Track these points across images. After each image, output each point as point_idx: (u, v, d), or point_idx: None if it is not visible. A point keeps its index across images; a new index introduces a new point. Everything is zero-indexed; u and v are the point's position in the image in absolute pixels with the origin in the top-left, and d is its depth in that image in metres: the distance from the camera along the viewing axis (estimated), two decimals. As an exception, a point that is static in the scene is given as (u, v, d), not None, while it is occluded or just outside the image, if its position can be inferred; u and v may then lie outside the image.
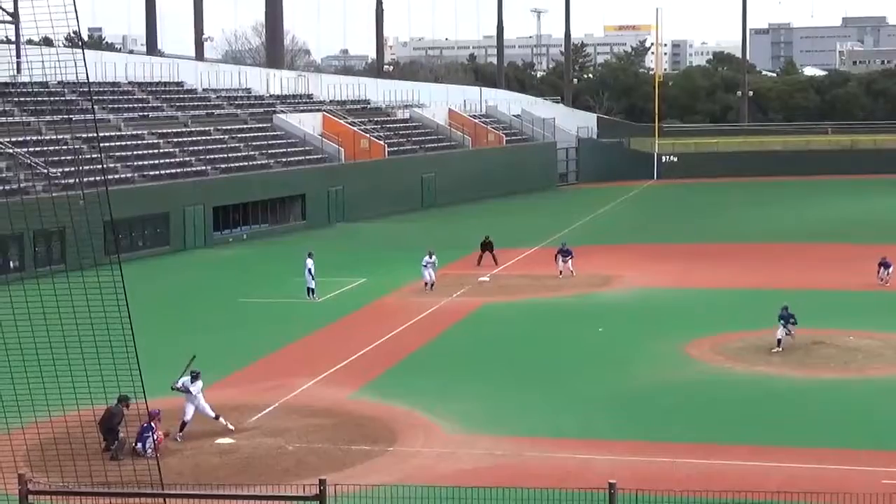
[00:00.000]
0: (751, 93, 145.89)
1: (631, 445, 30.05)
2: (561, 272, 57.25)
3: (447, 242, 62.90)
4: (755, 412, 33.32)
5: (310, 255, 52.67)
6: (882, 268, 55.06)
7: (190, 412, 30.90)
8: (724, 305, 49.99)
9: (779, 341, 40.14)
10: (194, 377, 31.30)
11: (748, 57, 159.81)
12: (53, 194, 53.11)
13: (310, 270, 52.03)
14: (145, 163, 73.03)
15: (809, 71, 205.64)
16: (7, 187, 56.89)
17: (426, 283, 53.93)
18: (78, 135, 68.06)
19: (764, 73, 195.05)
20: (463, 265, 61.26)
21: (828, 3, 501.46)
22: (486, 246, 61.86)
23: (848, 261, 61.98)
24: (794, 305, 40.97)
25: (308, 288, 52.11)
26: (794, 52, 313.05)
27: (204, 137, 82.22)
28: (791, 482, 27.09)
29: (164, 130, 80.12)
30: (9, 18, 73.49)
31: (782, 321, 40.41)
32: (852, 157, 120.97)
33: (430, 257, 54.30)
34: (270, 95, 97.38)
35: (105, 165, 68.28)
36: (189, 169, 75.85)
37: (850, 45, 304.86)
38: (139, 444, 28.90)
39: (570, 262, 57.43)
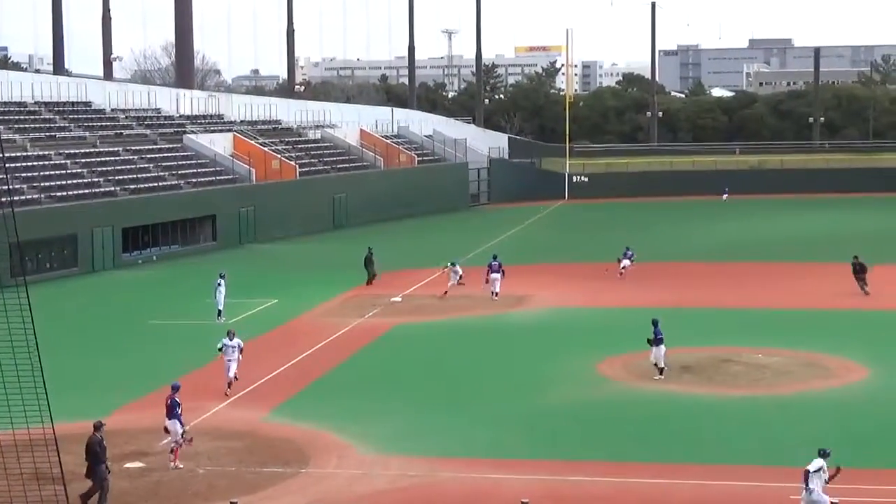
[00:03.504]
0: (660, 113, 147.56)
1: (543, 464, 30.11)
2: (492, 294, 56.45)
3: (359, 264, 62.66)
4: (666, 430, 33.54)
5: (221, 276, 52.31)
6: (624, 258, 62.25)
7: None
8: (636, 324, 50.06)
9: (656, 366, 39.60)
10: None
11: (657, 78, 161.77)
12: (-42, 216, 52.24)
13: (220, 289, 51.63)
14: (52, 184, 72.03)
15: (717, 92, 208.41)
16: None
17: (229, 383, 38.46)
18: (-17, 155, 67.07)
19: (673, 93, 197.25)
20: (375, 286, 61.13)
21: (735, 25, 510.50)
22: (369, 262, 61.74)
23: (755, 278, 62.73)
24: (703, 324, 41.17)
25: (218, 310, 51.71)
26: (703, 73, 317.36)
27: (113, 158, 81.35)
28: (701, 499, 27.31)
29: (72, 151, 79.19)
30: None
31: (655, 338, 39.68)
32: (760, 176, 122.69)
33: (231, 339, 38.65)
34: (180, 115, 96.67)
35: (11, 186, 67.23)
36: (97, 190, 74.97)
37: (757, 66, 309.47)
38: (172, 421, 30.24)
39: (499, 281, 56.43)
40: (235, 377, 38.41)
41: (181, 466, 29.79)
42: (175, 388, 31.14)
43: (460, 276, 58.02)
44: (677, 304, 54.54)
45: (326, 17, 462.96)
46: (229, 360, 38.20)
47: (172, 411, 30.39)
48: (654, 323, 40.06)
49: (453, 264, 58.49)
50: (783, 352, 43.42)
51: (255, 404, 36.86)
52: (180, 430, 30.34)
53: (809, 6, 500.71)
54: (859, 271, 56.16)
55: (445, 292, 57.23)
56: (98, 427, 27.41)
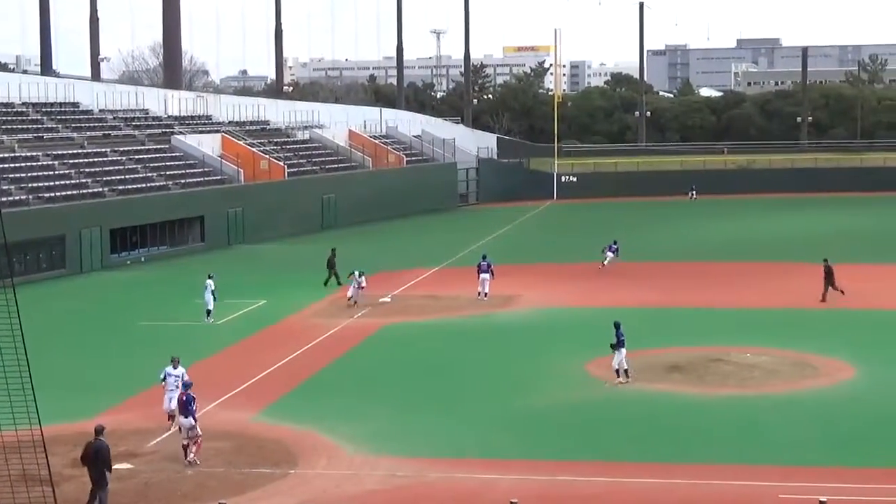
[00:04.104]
0: (648, 113, 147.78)
1: (533, 464, 30.09)
2: (479, 293, 56.13)
3: (347, 264, 62.54)
4: (656, 429, 33.52)
5: (210, 277, 52.22)
6: (609, 251, 66.18)
7: None
8: (625, 324, 50.10)
9: (617, 372, 39.00)
10: None
11: (646, 78, 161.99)
12: (-55, 217, 52.08)
13: (212, 292, 51.55)
14: (40, 185, 71.87)
15: (705, 92, 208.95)
16: None
17: (170, 415, 33.25)
18: (-29, 156, 66.87)
19: (661, 93, 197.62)
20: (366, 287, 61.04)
21: (723, 25, 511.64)
22: (330, 263, 61.41)
23: (743, 278, 62.78)
24: (691, 323, 41.11)
25: (207, 310, 51.63)
26: (691, 73, 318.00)
27: (101, 159, 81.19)
28: (692, 498, 27.31)
29: (60, 152, 79.01)
30: None
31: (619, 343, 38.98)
32: (748, 176, 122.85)
33: (175, 368, 34.06)
34: (168, 116, 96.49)
35: (-1, 187, 67.15)
36: (85, 191, 74.79)
37: (745, 66, 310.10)
38: (187, 418, 30.00)
39: (488, 281, 56.13)
40: (171, 413, 33.04)
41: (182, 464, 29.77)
42: (187, 386, 31.13)
43: (360, 286, 55.90)
44: (666, 304, 54.59)
45: (314, 17, 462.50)
46: (170, 391, 33.16)
47: (187, 408, 30.20)
48: (616, 326, 39.40)
49: (361, 273, 57.18)
50: (772, 351, 43.44)
51: (244, 405, 36.79)
52: (192, 427, 30.23)
53: (797, 6, 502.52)
54: (829, 274, 55.81)
55: (350, 299, 55.77)
56: (101, 432, 27.17)
